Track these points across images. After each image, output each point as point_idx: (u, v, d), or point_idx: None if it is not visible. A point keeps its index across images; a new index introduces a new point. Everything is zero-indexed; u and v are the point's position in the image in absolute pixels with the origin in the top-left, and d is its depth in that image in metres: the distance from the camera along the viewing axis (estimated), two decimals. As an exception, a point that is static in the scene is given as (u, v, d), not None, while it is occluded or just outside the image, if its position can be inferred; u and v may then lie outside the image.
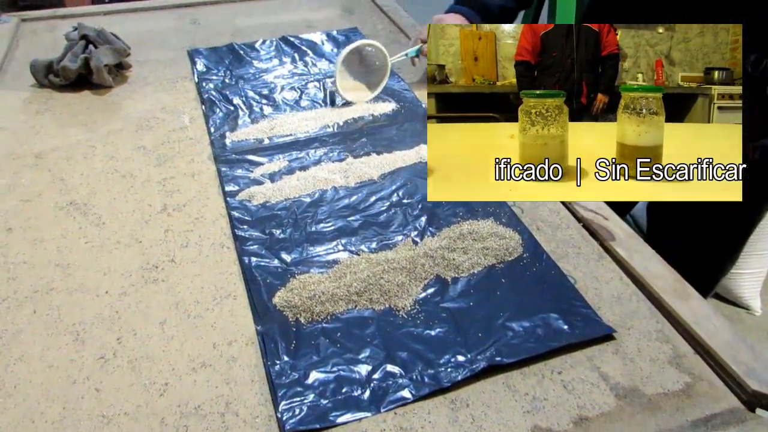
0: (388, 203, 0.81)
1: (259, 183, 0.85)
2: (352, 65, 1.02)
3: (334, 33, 1.28)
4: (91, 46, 1.04)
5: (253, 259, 0.72)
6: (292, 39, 1.24)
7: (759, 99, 0.89)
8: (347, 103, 1.03)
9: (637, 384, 0.59)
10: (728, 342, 0.62)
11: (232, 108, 1.01)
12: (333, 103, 1.03)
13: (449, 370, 0.60)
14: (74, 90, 1.04)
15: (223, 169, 0.87)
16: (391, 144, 0.93)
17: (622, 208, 1.13)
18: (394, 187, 0.84)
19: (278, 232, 0.77)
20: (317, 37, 1.26)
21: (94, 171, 0.86)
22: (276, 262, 0.72)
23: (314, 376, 0.59)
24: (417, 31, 1.08)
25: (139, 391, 0.58)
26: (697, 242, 1.07)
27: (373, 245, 0.75)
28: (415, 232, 0.76)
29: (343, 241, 0.75)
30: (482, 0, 1.05)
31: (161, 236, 0.76)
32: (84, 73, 1.03)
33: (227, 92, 1.05)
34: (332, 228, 0.77)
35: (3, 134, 0.94)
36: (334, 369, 0.60)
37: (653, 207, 1.15)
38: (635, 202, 1.20)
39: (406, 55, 1.04)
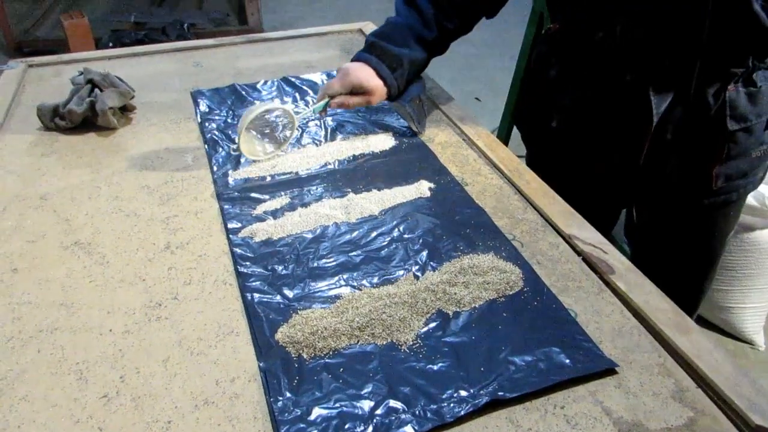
0: (389, 238, 0.82)
1: (262, 220, 0.86)
2: (258, 127, 1.01)
3: (334, 72, 1.30)
4: (96, 90, 1.06)
5: (256, 295, 0.73)
6: (292, 79, 1.27)
7: (721, 133, 0.91)
8: (348, 140, 1.05)
9: (641, 419, 0.59)
10: (730, 376, 0.62)
11: (234, 146, 1.03)
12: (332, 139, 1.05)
13: (452, 405, 0.60)
14: (80, 132, 1.07)
15: (226, 206, 0.88)
16: (391, 180, 0.94)
17: (605, 226, 1.15)
18: (394, 223, 0.85)
19: (280, 268, 0.77)
20: (317, 77, 1.29)
21: (98, 211, 0.87)
22: (278, 297, 0.73)
23: (317, 412, 0.59)
24: (324, 85, 1.03)
25: (142, 430, 0.58)
26: (671, 266, 1.08)
27: (375, 280, 0.75)
28: (416, 267, 0.77)
29: (345, 277, 0.76)
30: (391, 50, 1.00)
31: (165, 274, 0.76)
32: (89, 116, 1.05)
33: (230, 132, 1.08)
34: (334, 263, 0.78)
35: (10, 177, 0.95)
36: (337, 405, 0.60)
37: (633, 232, 1.17)
38: (616, 220, 1.21)
39: (313, 111, 1.01)
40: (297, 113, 1.01)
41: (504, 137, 2.13)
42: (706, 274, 1.10)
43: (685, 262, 1.08)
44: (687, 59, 0.86)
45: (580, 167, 1.03)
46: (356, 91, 0.99)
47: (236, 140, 0.97)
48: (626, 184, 1.01)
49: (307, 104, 1.06)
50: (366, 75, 0.99)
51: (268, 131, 1.01)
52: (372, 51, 1.01)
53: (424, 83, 1.09)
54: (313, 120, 1.11)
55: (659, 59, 0.87)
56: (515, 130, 2.18)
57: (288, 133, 1.02)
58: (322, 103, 1.00)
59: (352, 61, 1.02)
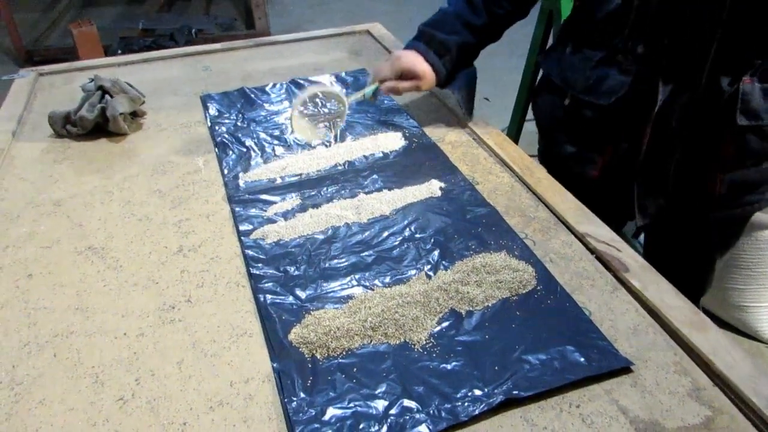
0: (400, 238, 0.82)
1: (273, 222, 0.86)
2: (309, 108, 1.03)
3: (343, 74, 1.31)
4: (107, 96, 1.07)
5: (268, 296, 0.73)
6: (301, 81, 1.27)
7: (730, 127, 0.88)
8: (358, 141, 1.05)
9: (657, 417, 0.58)
10: (748, 374, 0.61)
11: (244, 150, 1.04)
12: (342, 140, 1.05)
13: (466, 404, 0.59)
14: (91, 138, 1.07)
15: (237, 209, 0.89)
16: (401, 180, 0.94)
17: (618, 222, 1.14)
18: (406, 222, 0.85)
19: (292, 269, 0.77)
20: (326, 78, 1.29)
21: (111, 216, 0.88)
22: (291, 299, 0.73)
23: (331, 412, 0.59)
24: (374, 69, 1.05)
25: (158, 432, 0.58)
26: (675, 263, 1.07)
27: (387, 280, 0.75)
28: (429, 266, 0.77)
29: (357, 277, 0.76)
30: (439, 36, 1.02)
31: (177, 277, 0.77)
32: (100, 122, 1.06)
33: (239, 134, 1.08)
34: (346, 264, 0.78)
35: (23, 184, 0.96)
36: (351, 405, 0.60)
37: (648, 229, 1.16)
38: (624, 223, 1.19)
39: (364, 95, 1.03)
40: (348, 95, 1.03)
41: (514, 136, 2.12)
42: (705, 275, 1.10)
43: (685, 263, 1.07)
44: (703, 37, 0.83)
45: (585, 161, 1.02)
46: (406, 75, 1.01)
47: (289, 124, 1.01)
48: (627, 188, 0.99)
49: (348, 94, 1.06)
50: (415, 60, 1.01)
51: (318, 115, 1.03)
52: (421, 38, 1.03)
53: (475, 73, 1.09)
54: (362, 106, 1.13)
55: (674, 35, 0.85)
56: (525, 130, 2.18)
57: (338, 119, 1.04)
58: (373, 87, 1.02)
59: (405, 48, 1.05)
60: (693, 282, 1.10)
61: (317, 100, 1.03)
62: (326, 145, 1.04)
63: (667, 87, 0.88)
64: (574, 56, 0.97)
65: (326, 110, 1.04)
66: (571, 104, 0.98)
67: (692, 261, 1.08)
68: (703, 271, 1.10)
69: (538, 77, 1.16)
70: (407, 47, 1.04)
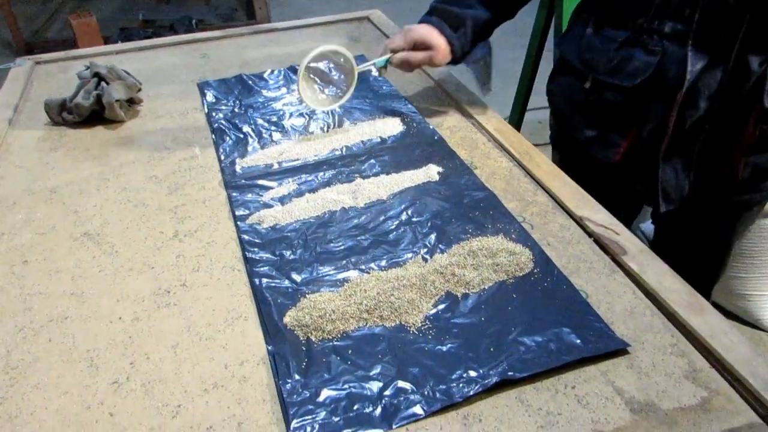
0: (397, 222, 0.82)
1: (269, 206, 0.86)
2: (317, 74, 1.01)
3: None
4: (103, 83, 1.07)
5: (264, 280, 0.73)
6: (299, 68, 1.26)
7: (756, 109, 0.86)
8: (356, 126, 1.04)
9: (653, 398, 0.58)
10: (745, 356, 0.61)
11: (241, 136, 1.03)
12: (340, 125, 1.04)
13: (461, 385, 0.59)
14: (87, 126, 1.07)
15: (234, 194, 0.88)
16: (399, 164, 0.94)
17: (627, 217, 1.12)
18: (403, 206, 0.84)
19: (288, 253, 0.77)
20: (324, 65, 1.28)
21: (107, 202, 0.88)
22: (286, 282, 0.73)
23: (326, 393, 0.59)
24: (387, 40, 1.03)
25: (152, 414, 0.58)
26: (688, 247, 1.06)
27: (383, 263, 0.75)
28: (425, 250, 0.77)
29: (353, 260, 0.75)
30: (453, 10, 1.00)
31: (173, 261, 0.76)
32: (96, 109, 1.05)
33: (236, 121, 1.07)
34: (342, 248, 0.78)
35: (19, 171, 0.96)
36: (346, 386, 0.60)
37: (658, 215, 1.14)
38: (639, 210, 1.18)
39: (374, 64, 1.00)
40: (358, 64, 1.01)
41: (515, 126, 2.11)
42: (721, 262, 1.08)
43: (701, 250, 1.06)
44: (733, 15, 0.80)
45: (606, 145, 0.99)
46: (419, 46, 0.99)
47: (296, 86, 0.98)
48: (649, 173, 0.97)
49: (358, 63, 1.04)
50: (429, 31, 0.98)
51: (326, 80, 1.01)
52: (434, 13, 1.01)
53: (491, 45, 1.09)
54: (361, 92, 1.10)
55: (703, 12, 0.82)
56: (526, 119, 2.17)
57: (345, 85, 1.01)
58: (384, 58, 0.99)
59: (419, 23, 1.01)
60: (707, 270, 1.09)
61: (326, 63, 1.01)
62: (323, 130, 1.03)
63: (694, 67, 0.85)
64: (595, 37, 0.95)
65: (334, 76, 1.02)
66: (592, 87, 0.96)
67: (708, 248, 1.07)
68: (719, 259, 1.08)
69: (555, 60, 1.13)
70: (420, 22, 1.01)
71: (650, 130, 0.93)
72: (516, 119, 2.12)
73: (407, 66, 1.01)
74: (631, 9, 0.89)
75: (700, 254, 1.08)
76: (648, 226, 2.01)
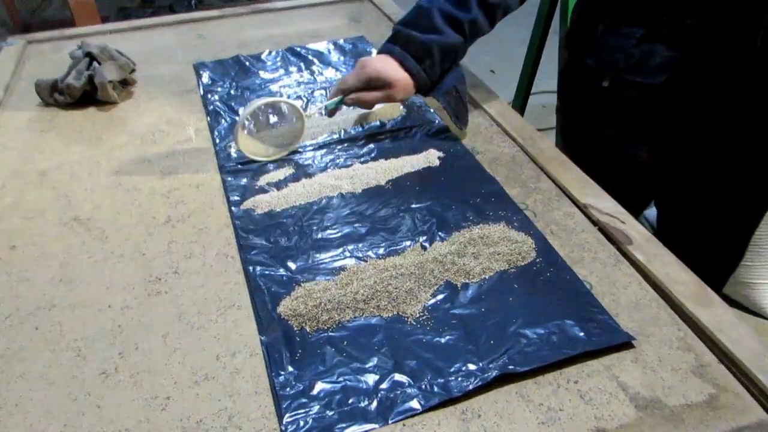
0: (395, 208, 0.79)
1: (264, 191, 0.83)
2: (259, 123, 0.90)
3: (341, 41, 1.27)
4: (95, 63, 1.04)
5: (258, 267, 0.71)
6: (298, 49, 1.23)
7: None
8: (355, 110, 1.01)
9: (659, 394, 0.56)
10: (754, 351, 0.58)
11: (237, 118, 1.00)
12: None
13: (460, 379, 0.57)
14: (79, 107, 1.04)
15: (228, 178, 0.86)
16: (398, 149, 0.91)
17: (636, 207, 1.10)
18: (402, 192, 0.82)
19: (283, 240, 0.75)
20: (323, 45, 1.25)
21: (98, 186, 0.85)
22: (281, 270, 0.70)
23: (320, 386, 0.57)
24: (340, 80, 0.90)
25: (141, 406, 0.56)
26: (704, 237, 1.03)
27: (381, 251, 0.73)
28: (424, 237, 0.74)
29: (350, 248, 0.73)
30: (416, 37, 0.85)
31: (165, 248, 0.74)
32: (89, 90, 1.02)
33: (232, 103, 1.05)
34: (338, 235, 0.75)
35: (9, 154, 0.94)
36: (340, 379, 0.58)
37: (662, 202, 1.11)
38: (649, 201, 1.15)
39: (326, 107, 0.89)
40: (306, 109, 0.92)
41: (519, 109, 2.08)
42: (739, 253, 1.06)
43: (719, 238, 1.03)
44: (755, 4, 0.77)
45: (631, 143, 0.96)
46: (375, 84, 0.87)
47: (233, 135, 0.86)
48: (669, 158, 0.94)
49: (313, 100, 1.00)
50: (385, 66, 0.86)
51: (270, 131, 0.91)
52: (396, 41, 0.88)
53: (462, 72, 0.94)
54: (323, 122, 0.99)
55: (724, 3, 0.79)
56: (530, 103, 2.13)
57: (295, 137, 0.91)
58: (335, 100, 0.89)
59: (378, 53, 0.89)
60: (721, 261, 1.06)
61: (269, 113, 0.90)
62: (321, 114, 1.00)
63: (717, 59, 0.82)
64: (609, 36, 0.91)
65: (281, 125, 0.92)
66: (612, 86, 0.92)
67: (725, 238, 1.04)
68: (736, 250, 1.06)
69: (563, 59, 1.07)
70: (381, 52, 0.88)
71: (674, 128, 0.90)
72: (519, 104, 2.08)
73: (363, 106, 0.90)
74: (646, 3, 0.85)
75: (714, 244, 1.05)
76: (651, 213, 1.98)
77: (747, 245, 1.07)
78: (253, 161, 0.89)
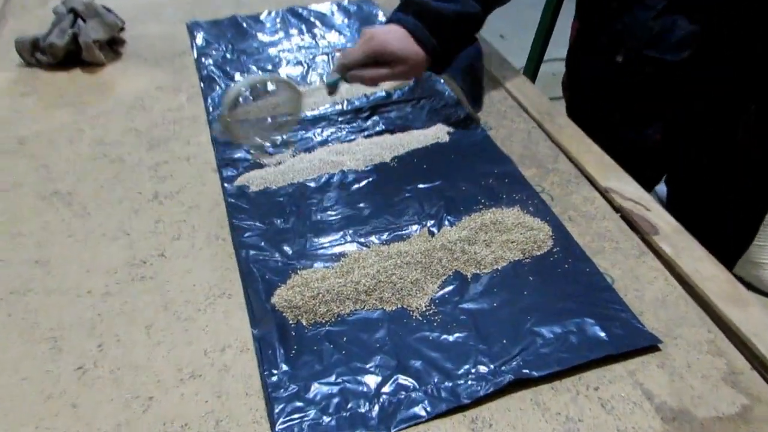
0: (401, 189, 0.73)
1: (260, 166, 0.77)
2: (248, 104, 0.78)
3: (345, 2, 1.18)
4: (79, 21, 0.96)
5: (251, 252, 0.65)
6: (299, 10, 1.15)
7: None
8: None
9: (687, 405, 0.51)
10: (792, 356, 0.53)
11: (232, 85, 0.93)
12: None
13: (470, 382, 0.52)
14: (63, 69, 0.97)
15: (221, 151, 0.80)
16: (405, 123, 0.85)
17: (649, 181, 1.04)
18: (408, 171, 0.76)
19: (279, 221, 0.69)
20: (327, 6, 1.17)
21: (80, 157, 0.79)
22: (276, 255, 0.65)
23: (316, 388, 0.52)
24: (339, 53, 0.80)
25: (120, 407, 0.51)
26: (716, 216, 0.97)
27: (385, 236, 0.67)
28: (432, 222, 0.69)
29: (351, 232, 0.68)
30: (433, 6, 0.75)
31: (151, 227, 0.69)
32: (73, 50, 0.95)
33: (228, 68, 0.98)
34: (339, 217, 0.70)
35: (-13, 117, 0.87)
36: (339, 380, 0.53)
37: (673, 178, 1.05)
38: (655, 183, 1.09)
39: (326, 85, 0.78)
40: (304, 86, 0.81)
41: (531, 76, 1.99)
42: (752, 231, 1.00)
43: (731, 217, 0.97)
44: None
45: (644, 123, 0.90)
46: (382, 59, 0.75)
47: (218, 118, 0.75)
48: (684, 136, 0.88)
49: (314, 66, 0.89)
50: (397, 39, 0.75)
51: (260, 112, 0.81)
52: (408, 9, 0.77)
53: (481, 48, 0.82)
54: (322, 103, 0.88)
55: None
56: (542, 71, 2.04)
57: (290, 116, 0.82)
58: (335, 77, 0.77)
59: (386, 23, 0.78)
60: (733, 240, 1.00)
61: (259, 92, 0.78)
62: (323, 81, 0.92)
63: (743, 31, 0.75)
64: (627, 6, 0.83)
65: (273, 103, 0.79)
66: (626, 62, 0.84)
67: (739, 216, 0.98)
68: (749, 228, 1.00)
69: (573, 31, 1.00)
70: (390, 21, 0.78)
71: (691, 108, 0.83)
72: (531, 72, 1.99)
73: (369, 84, 0.79)
74: None
75: (726, 223, 0.99)
76: (661, 188, 1.92)
77: (759, 225, 1.02)
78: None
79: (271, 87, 0.78)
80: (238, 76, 0.95)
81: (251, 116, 0.79)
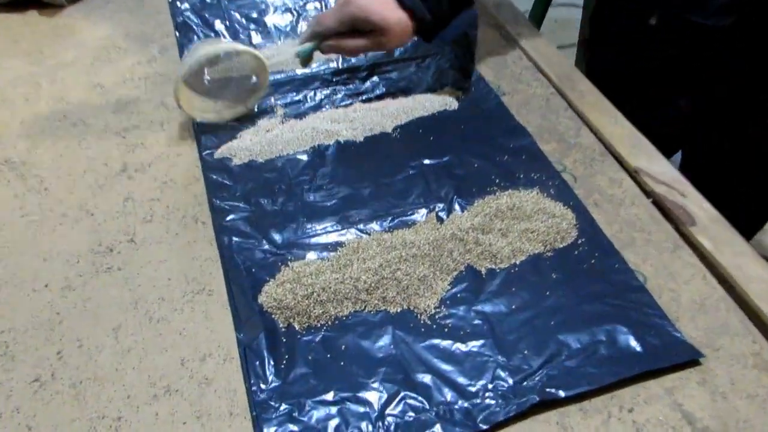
0: (405, 165, 0.65)
1: (238, 132, 0.68)
2: (206, 74, 0.68)
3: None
4: (34, -47, 0.83)
5: (235, 239, 0.57)
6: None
7: None
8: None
9: (732, 431, 0.45)
10: None
11: (212, 35, 0.82)
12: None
13: (487, 401, 0.46)
14: (17, 10, 0.85)
15: (199, 116, 0.70)
16: (408, 85, 0.75)
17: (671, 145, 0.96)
18: (412, 143, 0.67)
19: (266, 201, 0.61)
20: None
21: (37, 118, 0.69)
22: (264, 243, 0.57)
23: (311, 408, 0.45)
24: (312, 19, 0.70)
25: (84, 430, 0.44)
26: (736, 185, 0.90)
27: (387, 222, 0.59)
28: (440, 205, 0.61)
29: (349, 216, 0.59)
30: None
31: (119, 207, 0.60)
32: (28, -12, 0.83)
33: (207, 14, 0.86)
34: (335, 197, 0.61)
35: (-72, 66, 0.76)
36: (337, 398, 0.46)
37: (689, 162, 0.97)
38: (671, 154, 1.02)
39: (297, 55, 0.67)
40: (268, 56, 0.68)
41: (537, 21, 1.86)
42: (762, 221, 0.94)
43: (753, 187, 0.90)
44: None
45: (674, 91, 0.81)
46: (360, 27, 0.65)
47: (174, 90, 0.64)
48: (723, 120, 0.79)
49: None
50: (377, 3, 0.64)
51: (225, 81, 0.69)
52: None
53: (477, 13, 0.71)
54: (292, 71, 0.76)
55: None
56: (550, 14, 1.90)
57: (254, 92, 0.70)
58: (307, 46, 0.67)
59: None
60: (755, 209, 0.93)
61: (220, 64, 0.68)
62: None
63: None
64: None
65: (236, 77, 0.69)
66: (660, 24, 0.75)
67: (764, 184, 0.91)
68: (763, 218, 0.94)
69: None
70: None
71: (732, 84, 0.74)
72: (539, 14, 1.86)
73: (346, 54, 0.71)
74: None
75: (747, 193, 0.92)
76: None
77: None
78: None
79: (232, 57, 0.67)
80: (218, 25, 0.84)
81: (210, 89, 0.68)
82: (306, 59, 0.68)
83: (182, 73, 0.64)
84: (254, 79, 0.70)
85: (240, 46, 0.66)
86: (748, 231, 0.98)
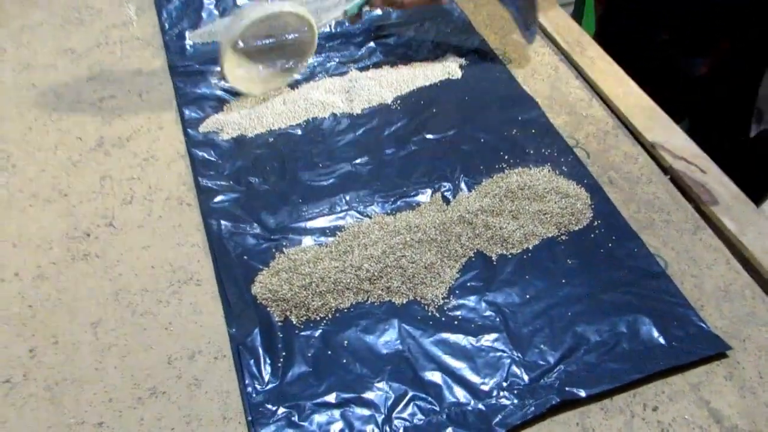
0: (407, 140, 0.60)
1: (229, 102, 0.62)
2: (253, 39, 0.64)
3: None
4: None
5: (224, 223, 0.52)
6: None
7: None
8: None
9: (763, 429, 0.42)
10: None
11: (240, 11, 0.75)
12: None
13: (502, 401, 0.42)
14: (-23, -36, 0.77)
15: (182, 84, 0.64)
16: (408, 52, 0.70)
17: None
18: (414, 116, 0.62)
19: (258, 180, 0.56)
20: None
21: (2, 87, 0.63)
22: (256, 227, 0.52)
23: (312, 411, 0.42)
24: None
25: (60, 438, 0.40)
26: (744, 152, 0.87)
27: (389, 204, 0.55)
28: (446, 184, 0.56)
29: (348, 197, 0.55)
30: None
31: (96, 187, 0.55)
32: (-12, -59, 0.75)
33: (187, -28, 0.79)
34: (332, 176, 0.57)
35: None
36: (340, 400, 0.42)
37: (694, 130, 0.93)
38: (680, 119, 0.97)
39: (345, 13, 0.64)
40: (316, 14, 0.64)
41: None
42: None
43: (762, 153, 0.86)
44: None
45: (691, 53, 0.76)
46: None
47: (220, 59, 0.60)
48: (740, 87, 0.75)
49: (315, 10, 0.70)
50: None
51: (271, 48, 0.65)
52: None
53: None
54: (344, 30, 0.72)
55: None
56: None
57: (302, 52, 0.66)
58: (357, 2, 0.64)
59: None
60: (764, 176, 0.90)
61: (265, 29, 0.64)
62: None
63: None
64: None
65: (283, 40, 0.65)
66: None
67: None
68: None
69: None
70: None
71: (750, 36, 0.70)
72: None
73: (396, 6, 0.67)
74: None
75: (757, 159, 0.89)
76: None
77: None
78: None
79: (279, 19, 0.62)
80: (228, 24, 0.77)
81: (256, 55, 0.63)
82: (355, 16, 0.65)
83: (230, 37, 0.59)
84: (301, 39, 0.65)
85: (287, 6, 0.60)
86: (756, 199, 0.96)
